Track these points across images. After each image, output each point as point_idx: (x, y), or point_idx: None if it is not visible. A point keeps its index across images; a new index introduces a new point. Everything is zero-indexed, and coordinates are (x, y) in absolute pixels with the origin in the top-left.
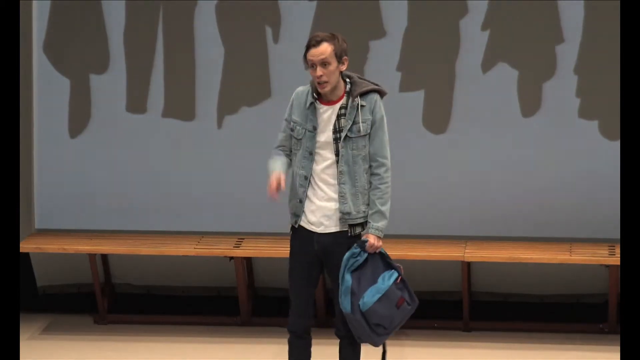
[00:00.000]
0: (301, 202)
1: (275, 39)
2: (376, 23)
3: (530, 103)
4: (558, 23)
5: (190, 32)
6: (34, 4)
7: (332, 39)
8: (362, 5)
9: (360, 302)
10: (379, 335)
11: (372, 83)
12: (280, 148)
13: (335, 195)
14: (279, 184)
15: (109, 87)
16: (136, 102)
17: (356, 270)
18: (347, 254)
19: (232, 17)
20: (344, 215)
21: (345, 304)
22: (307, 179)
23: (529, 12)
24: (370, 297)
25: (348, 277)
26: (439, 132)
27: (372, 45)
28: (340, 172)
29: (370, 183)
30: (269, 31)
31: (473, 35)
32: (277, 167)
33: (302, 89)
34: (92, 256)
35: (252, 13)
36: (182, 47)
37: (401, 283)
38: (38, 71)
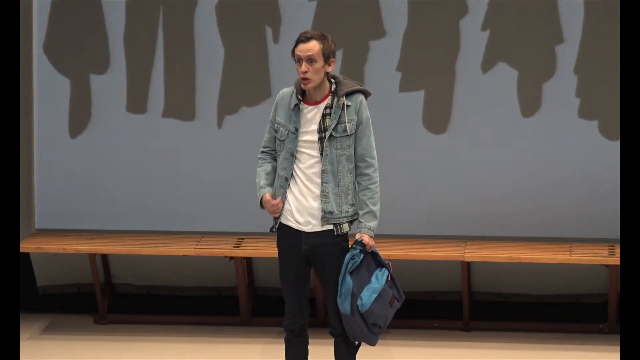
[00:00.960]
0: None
1: (275, 39)
2: (376, 23)
3: (530, 103)
4: (558, 23)
5: (190, 32)
6: (34, 4)
7: (321, 38)
8: (362, 5)
9: (359, 303)
10: (375, 334)
11: (356, 83)
12: (266, 150)
13: (320, 192)
14: (275, 205)
15: (109, 87)
16: (136, 102)
17: (353, 271)
18: (347, 256)
19: (232, 17)
20: (325, 214)
21: (345, 305)
22: (288, 181)
23: (529, 12)
24: (367, 297)
25: (349, 280)
26: (439, 132)
27: (372, 45)
28: (323, 171)
29: (356, 183)
30: (269, 31)
31: (473, 35)
32: (264, 185)
33: (287, 90)
34: (92, 256)
35: (252, 13)
36: (182, 47)
37: (391, 281)
38: (38, 71)
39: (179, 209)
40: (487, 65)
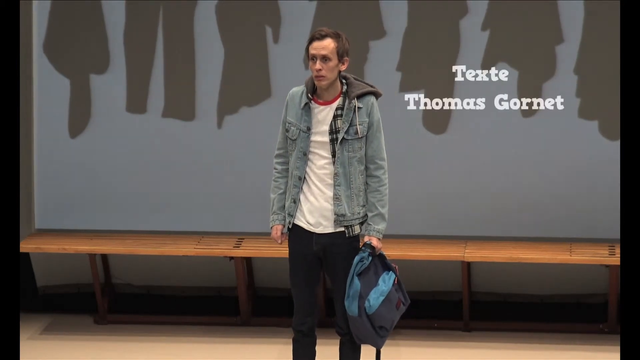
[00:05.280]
0: (295, 202)
1: (275, 39)
2: (376, 23)
3: (530, 103)
4: (558, 23)
5: (190, 32)
6: (34, 4)
7: (336, 36)
8: (362, 5)
9: (367, 305)
10: (382, 337)
11: (367, 84)
12: (281, 152)
13: (332, 194)
14: (282, 234)
15: (109, 87)
16: (136, 102)
17: (361, 273)
18: (356, 258)
19: (232, 17)
20: (338, 217)
21: (353, 307)
22: (301, 180)
23: (529, 12)
24: (375, 299)
25: (357, 282)
26: (439, 132)
27: (372, 45)
28: (336, 174)
29: (366, 184)
30: (269, 31)
31: (473, 35)
32: (278, 212)
33: (297, 89)
34: (92, 256)
35: (252, 13)
36: (182, 47)
37: (397, 284)
38: (38, 71)
39: (180, 209)
40: (487, 65)
